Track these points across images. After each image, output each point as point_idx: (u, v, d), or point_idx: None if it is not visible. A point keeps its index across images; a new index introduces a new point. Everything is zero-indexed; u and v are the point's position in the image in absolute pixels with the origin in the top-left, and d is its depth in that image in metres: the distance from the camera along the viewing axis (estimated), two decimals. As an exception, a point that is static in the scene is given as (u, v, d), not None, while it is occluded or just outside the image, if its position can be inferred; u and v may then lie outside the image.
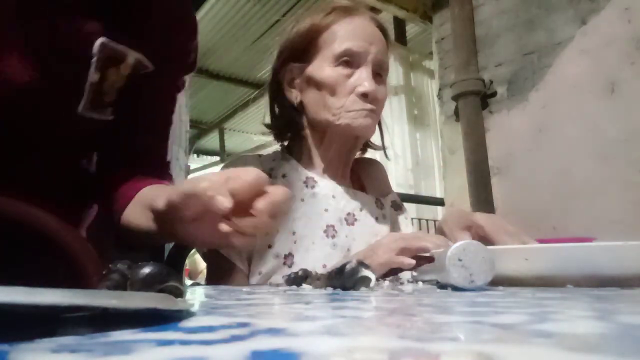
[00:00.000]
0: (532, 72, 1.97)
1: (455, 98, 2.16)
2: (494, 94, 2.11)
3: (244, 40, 3.86)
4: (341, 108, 0.74)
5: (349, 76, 0.74)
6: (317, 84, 0.76)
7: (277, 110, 0.83)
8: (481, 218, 0.66)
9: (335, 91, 0.74)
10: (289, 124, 0.81)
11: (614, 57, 1.71)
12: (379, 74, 0.77)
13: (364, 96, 0.73)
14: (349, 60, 0.74)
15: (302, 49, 0.78)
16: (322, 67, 0.76)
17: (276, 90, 0.81)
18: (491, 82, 2.11)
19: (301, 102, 0.79)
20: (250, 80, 4.65)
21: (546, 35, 1.93)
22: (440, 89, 2.40)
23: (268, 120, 0.84)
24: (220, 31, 3.74)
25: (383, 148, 0.88)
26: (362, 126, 0.74)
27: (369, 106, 0.73)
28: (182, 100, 2.08)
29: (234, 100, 5.22)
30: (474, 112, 2.09)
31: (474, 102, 2.10)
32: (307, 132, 0.81)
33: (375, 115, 0.75)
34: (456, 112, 2.22)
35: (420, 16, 2.81)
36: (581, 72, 1.80)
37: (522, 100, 2.00)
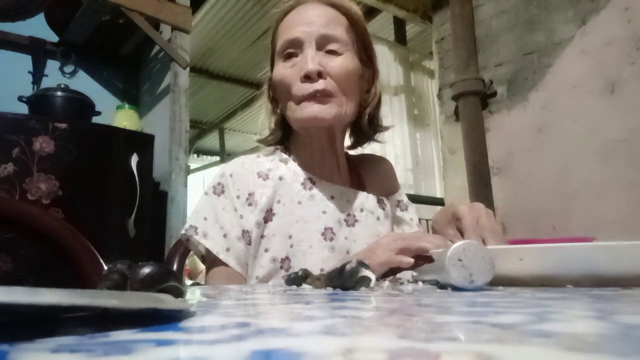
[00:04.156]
0: (532, 72, 1.97)
1: (455, 98, 2.16)
2: (494, 94, 2.11)
3: (244, 40, 3.85)
4: (293, 100, 0.73)
5: (294, 64, 0.73)
6: (277, 86, 0.76)
7: (272, 123, 0.83)
8: (463, 209, 0.65)
9: (286, 83, 0.73)
10: (278, 132, 0.81)
11: (614, 57, 1.71)
12: (330, 49, 0.73)
13: (307, 78, 0.70)
14: (291, 51, 0.74)
15: (271, 62, 0.80)
16: (276, 67, 0.76)
17: (272, 104, 0.82)
18: (491, 82, 2.11)
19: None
20: (250, 80, 4.65)
21: (546, 35, 1.93)
22: (440, 89, 2.40)
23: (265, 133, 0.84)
24: (220, 31, 3.73)
25: (369, 130, 0.82)
26: (310, 115, 0.70)
27: (313, 88, 0.70)
28: (183, 100, 2.08)
29: (234, 100, 5.22)
30: (474, 112, 2.09)
31: (474, 102, 2.09)
32: (293, 136, 0.82)
33: (327, 97, 0.70)
34: (456, 112, 2.22)
35: (420, 16, 2.81)
36: (581, 72, 1.80)
37: (522, 100, 2.00)
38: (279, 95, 0.77)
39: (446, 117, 2.33)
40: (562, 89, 1.85)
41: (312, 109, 0.70)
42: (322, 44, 0.73)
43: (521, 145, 1.98)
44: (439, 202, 2.92)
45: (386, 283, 0.48)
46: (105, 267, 0.28)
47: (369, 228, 0.77)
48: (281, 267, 0.70)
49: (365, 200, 0.80)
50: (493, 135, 2.09)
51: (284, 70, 0.74)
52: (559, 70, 1.88)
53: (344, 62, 0.73)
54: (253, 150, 0.88)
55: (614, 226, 1.64)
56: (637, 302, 0.27)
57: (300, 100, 0.71)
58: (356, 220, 0.77)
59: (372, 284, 0.38)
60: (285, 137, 0.82)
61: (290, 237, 0.72)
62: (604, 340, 0.15)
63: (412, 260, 0.62)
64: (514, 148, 2.01)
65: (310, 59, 0.70)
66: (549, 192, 1.86)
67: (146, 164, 1.89)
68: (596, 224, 1.68)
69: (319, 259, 0.70)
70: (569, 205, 1.79)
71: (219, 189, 0.75)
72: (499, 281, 0.39)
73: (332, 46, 0.73)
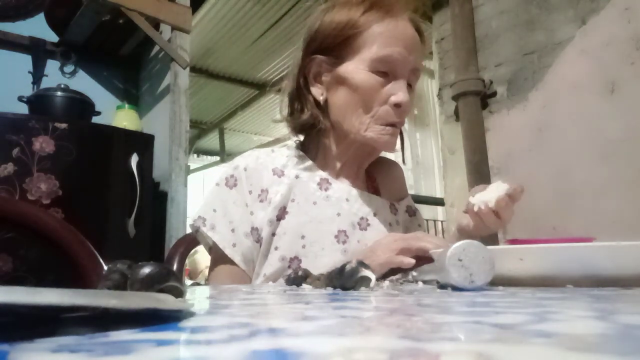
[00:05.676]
0: (532, 72, 1.97)
1: (455, 98, 2.16)
2: (494, 94, 2.11)
3: (244, 40, 3.85)
4: (372, 117, 0.71)
5: (385, 84, 0.71)
6: (349, 86, 0.72)
7: (296, 103, 0.78)
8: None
9: (369, 97, 0.71)
10: (309, 120, 0.75)
11: (614, 57, 1.71)
12: (411, 83, 0.75)
13: (397, 106, 0.71)
14: (387, 66, 0.71)
15: (335, 44, 0.73)
16: (357, 70, 0.71)
17: (300, 82, 0.77)
18: (491, 82, 2.11)
19: (326, 100, 0.75)
20: (250, 80, 4.64)
21: (546, 35, 1.93)
22: (440, 89, 2.40)
23: (282, 111, 0.80)
24: (220, 31, 3.73)
25: (402, 152, 0.86)
26: (386, 144, 0.73)
27: (397, 119, 0.72)
28: (183, 100, 2.08)
29: (234, 100, 5.21)
30: (474, 112, 2.09)
31: (474, 102, 2.09)
32: (328, 132, 0.77)
33: (399, 131, 0.75)
34: (456, 112, 2.22)
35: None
36: (581, 72, 1.80)
37: (522, 100, 2.00)
38: (344, 93, 0.73)
39: (446, 117, 2.33)
40: (562, 89, 1.85)
41: (390, 140, 0.73)
42: (412, 78, 0.74)
43: (521, 145, 1.98)
44: (439, 202, 2.92)
45: (386, 283, 0.48)
46: (105, 267, 0.28)
47: (381, 233, 0.75)
48: (289, 267, 0.69)
49: (379, 205, 0.79)
50: (493, 135, 2.09)
51: (373, 80, 0.71)
52: (559, 70, 1.88)
53: (413, 99, 0.76)
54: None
55: (614, 226, 1.64)
56: (637, 302, 0.27)
57: (379, 121, 0.72)
58: (369, 225, 0.75)
59: (372, 284, 0.38)
60: (313, 122, 0.76)
61: (303, 237, 0.71)
62: (604, 340, 0.15)
63: (412, 261, 0.62)
64: (514, 148, 2.01)
65: (406, 91, 0.72)
66: (549, 192, 1.86)
67: (146, 164, 1.89)
68: (596, 224, 1.68)
69: (330, 261, 0.68)
70: (569, 205, 1.79)
71: (231, 182, 0.74)
72: (499, 281, 0.39)
73: (412, 82, 0.75)
